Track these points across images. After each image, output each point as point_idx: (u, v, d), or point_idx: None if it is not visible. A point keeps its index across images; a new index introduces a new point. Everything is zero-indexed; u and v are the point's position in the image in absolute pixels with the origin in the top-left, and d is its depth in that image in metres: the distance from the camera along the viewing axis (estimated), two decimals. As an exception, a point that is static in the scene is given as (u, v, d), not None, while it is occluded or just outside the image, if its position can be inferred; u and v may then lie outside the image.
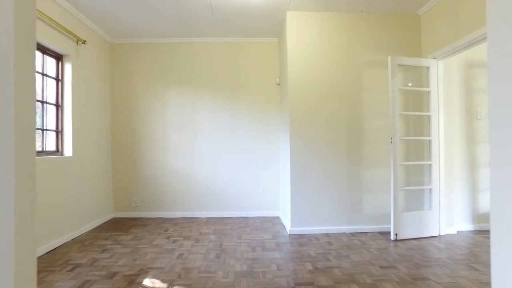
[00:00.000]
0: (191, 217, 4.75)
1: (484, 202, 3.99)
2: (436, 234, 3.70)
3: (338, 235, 3.78)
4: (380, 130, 3.94)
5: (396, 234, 3.56)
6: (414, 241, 3.53)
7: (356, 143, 3.93)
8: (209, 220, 4.58)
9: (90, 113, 4.18)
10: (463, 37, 3.16)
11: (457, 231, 3.86)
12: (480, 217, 3.97)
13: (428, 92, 3.71)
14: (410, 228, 3.61)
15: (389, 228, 3.89)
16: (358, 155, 3.93)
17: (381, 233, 3.87)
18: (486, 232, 3.84)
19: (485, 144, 4.00)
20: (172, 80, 4.83)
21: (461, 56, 3.84)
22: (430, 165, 3.71)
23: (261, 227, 4.20)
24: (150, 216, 4.79)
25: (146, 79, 4.83)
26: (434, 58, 3.67)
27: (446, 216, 3.77)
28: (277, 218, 4.73)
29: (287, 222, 4.06)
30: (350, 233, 3.89)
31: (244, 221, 4.53)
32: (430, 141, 3.70)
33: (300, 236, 3.77)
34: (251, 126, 4.86)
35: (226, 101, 4.84)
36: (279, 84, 4.83)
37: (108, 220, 4.58)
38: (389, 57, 3.54)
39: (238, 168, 4.85)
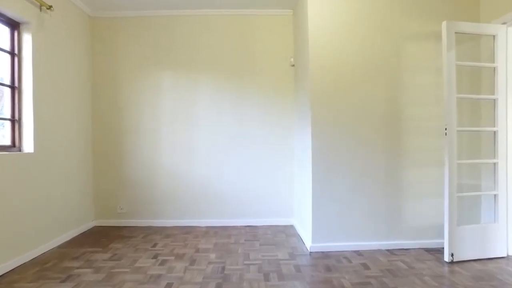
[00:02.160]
0: (188, 226, 3.94)
1: (558, 211, 3.13)
2: (504, 255, 2.85)
3: (372, 254, 2.95)
4: (427, 119, 3.09)
5: (452, 254, 2.72)
6: (476, 265, 2.68)
7: (395, 136, 3.08)
8: (209, 231, 3.77)
9: (61, 99, 3.36)
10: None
11: (526, 248, 3.00)
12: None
13: (494, 68, 2.84)
14: (469, 246, 2.77)
15: (436, 244, 3.07)
16: (398, 151, 3.08)
17: (427, 250, 3.03)
18: None
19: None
20: (166, 62, 4.01)
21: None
22: (495, 164, 2.86)
23: (274, 241, 3.37)
24: (138, 225, 3.98)
25: (135, 61, 4.01)
26: (504, 23, 2.80)
27: (514, 230, 2.92)
28: (291, 227, 3.91)
29: (306, 235, 3.23)
30: (387, 250, 3.05)
31: (252, 232, 3.70)
32: (495, 132, 2.85)
33: (325, 255, 2.94)
34: (261, 117, 4.02)
35: (231, 87, 4.01)
36: (293, 65, 3.99)
37: (87, 231, 3.78)
38: (444, 23, 2.68)
39: (245, 167, 4.02)
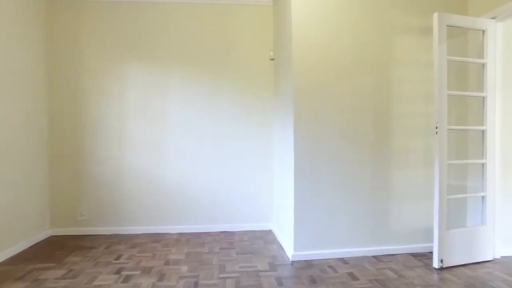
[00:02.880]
0: (157, 234, 3.58)
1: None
2: (491, 258, 2.75)
3: (359, 261, 2.75)
4: (414, 117, 2.93)
5: (441, 260, 2.56)
6: (466, 270, 2.55)
7: (384, 135, 2.90)
8: (181, 238, 3.44)
9: (7, 94, 2.91)
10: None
11: (512, 251, 2.92)
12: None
13: (483, 65, 2.72)
14: (458, 250, 2.63)
15: (423, 248, 2.93)
16: (386, 151, 2.91)
17: (414, 255, 2.87)
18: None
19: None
20: (133, 52, 3.62)
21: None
22: (483, 164, 2.74)
23: (252, 249, 3.10)
24: (101, 233, 3.57)
25: (98, 50, 3.59)
26: (493, 18, 2.68)
27: (501, 233, 2.82)
28: (270, 232, 3.66)
29: (287, 242, 2.99)
30: (373, 256, 2.87)
31: (227, 239, 3.41)
32: (484, 131, 2.73)
33: (308, 264, 2.71)
34: (238, 114, 3.73)
35: (206, 81, 3.69)
36: (273, 59, 3.73)
37: (41, 242, 3.33)
38: (436, 14, 2.52)
39: (220, 167, 3.72)
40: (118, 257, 2.86)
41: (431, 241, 2.96)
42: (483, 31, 2.70)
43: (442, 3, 2.93)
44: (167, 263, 2.72)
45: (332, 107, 2.82)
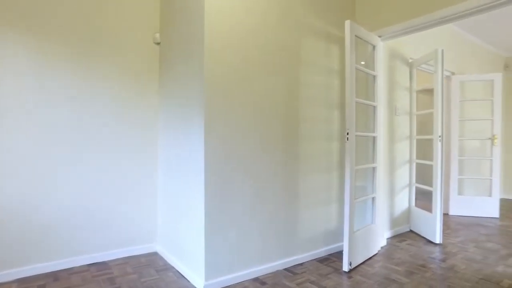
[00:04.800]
0: (-18, 286, 2.33)
1: (399, 206, 3.69)
2: (376, 252, 3.04)
3: (276, 278, 2.51)
4: (318, 122, 2.94)
5: (350, 263, 2.63)
6: (367, 268, 2.70)
7: (293, 139, 2.78)
8: (27, 286, 2.33)
9: None
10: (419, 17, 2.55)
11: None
12: (395, 221, 3.64)
13: (374, 77, 2.99)
14: (360, 250, 2.78)
15: (324, 252, 3.01)
16: (296, 157, 2.79)
17: (319, 261, 2.87)
18: (399, 236, 3.51)
19: (402, 143, 3.70)
20: None
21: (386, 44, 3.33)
22: (373, 168, 3.01)
23: (144, 285, 2.39)
24: None
25: None
26: (380, 36, 2.98)
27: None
28: (155, 255, 2.99)
29: (193, 271, 2.44)
30: (285, 269, 2.70)
31: (103, 273, 2.55)
32: (375, 138, 3.00)
33: (225, 292, 2.27)
34: (111, 111, 2.88)
35: (68, 68, 2.67)
36: (159, 43, 3.08)
37: None
38: (348, 22, 2.58)
39: (87, 180, 2.77)
40: None
41: (331, 244, 3.06)
42: (374, 46, 2.97)
43: (336, 16, 3.07)
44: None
45: (246, 111, 2.49)
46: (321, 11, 2.93)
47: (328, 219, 3.02)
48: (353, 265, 2.67)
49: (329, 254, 3.02)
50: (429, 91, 5.70)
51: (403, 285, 2.39)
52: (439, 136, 3.27)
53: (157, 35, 3.07)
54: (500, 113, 4.37)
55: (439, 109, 3.27)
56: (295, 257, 2.78)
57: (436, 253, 3.07)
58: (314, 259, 2.91)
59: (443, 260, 2.89)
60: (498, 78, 4.31)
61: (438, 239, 3.29)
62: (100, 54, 2.80)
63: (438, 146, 3.28)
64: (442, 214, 3.31)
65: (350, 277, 2.52)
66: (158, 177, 3.10)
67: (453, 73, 4.54)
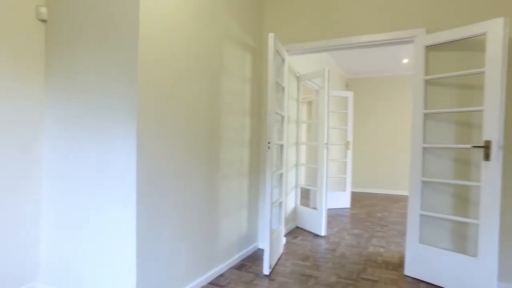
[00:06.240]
0: None
1: (290, 205, 4.07)
2: (282, 251, 3.28)
3: (203, 295, 2.36)
4: (234, 129, 2.93)
5: (270, 266, 2.75)
6: (280, 268, 2.89)
7: (215, 145, 2.67)
8: None
9: None
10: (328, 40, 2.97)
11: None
12: (287, 220, 4.01)
13: (283, 88, 3.21)
14: (275, 252, 2.93)
15: (238, 259, 3.04)
16: (216, 165, 2.69)
17: (237, 268, 2.87)
18: (290, 233, 3.91)
19: (290, 149, 4.10)
20: None
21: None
22: (281, 174, 3.23)
23: None
24: None
25: None
26: (287, 51, 3.23)
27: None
28: (39, 297, 2.31)
29: (110, 305, 2.01)
30: (210, 283, 2.57)
31: None
32: (282, 146, 3.22)
33: (160, 324, 1.97)
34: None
35: None
36: (45, 20, 2.40)
37: None
38: (271, 35, 2.68)
39: None
40: None
41: (243, 249, 3.11)
42: (283, 60, 3.20)
43: (250, 26, 3.15)
44: None
45: (176, 117, 2.24)
46: (239, 19, 2.93)
47: (240, 225, 3.06)
48: (271, 267, 2.80)
49: (242, 260, 3.05)
50: (309, 102, 6.54)
51: (317, 278, 2.68)
52: (325, 143, 3.82)
53: (43, 9, 2.36)
54: (352, 124, 5.46)
55: (325, 120, 3.82)
56: (216, 269, 2.68)
57: (326, 244, 3.57)
58: (232, 267, 2.88)
59: (334, 250, 3.39)
60: (351, 95, 5.38)
61: (323, 232, 3.83)
62: (-51, 23, 1.93)
63: (324, 152, 3.83)
64: (326, 210, 3.87)
65: (273, 280, 2.63)
66: (42, 190, 2.38)
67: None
